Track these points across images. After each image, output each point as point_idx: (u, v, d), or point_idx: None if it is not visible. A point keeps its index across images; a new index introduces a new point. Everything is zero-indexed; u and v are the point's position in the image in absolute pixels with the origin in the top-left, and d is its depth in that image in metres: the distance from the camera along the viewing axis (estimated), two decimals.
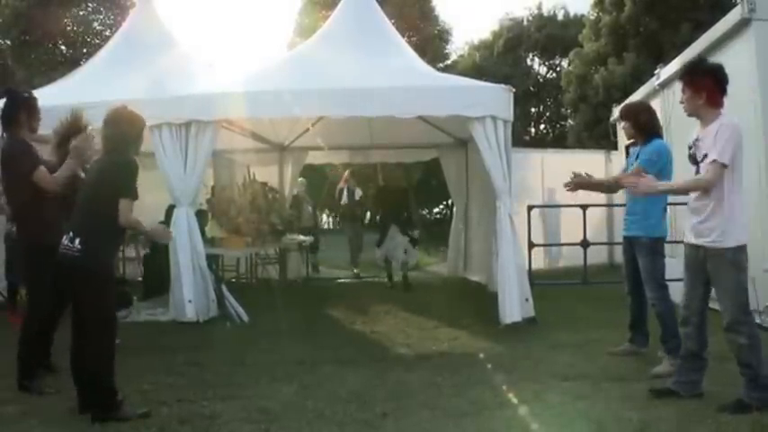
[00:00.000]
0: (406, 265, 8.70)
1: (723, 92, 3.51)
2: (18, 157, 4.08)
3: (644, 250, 4.42)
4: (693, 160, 3.59)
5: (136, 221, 3.61)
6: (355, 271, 10.66)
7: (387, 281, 8.94)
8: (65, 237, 3.56)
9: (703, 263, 3.55)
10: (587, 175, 4.64)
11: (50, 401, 3.80)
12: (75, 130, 4.14)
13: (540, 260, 9.57)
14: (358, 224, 11.56)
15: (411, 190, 11.15)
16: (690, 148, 3.65)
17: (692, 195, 3.61)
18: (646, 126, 4.47)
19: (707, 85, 3.49)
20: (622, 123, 4.94)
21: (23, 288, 6.58)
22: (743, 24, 5.56)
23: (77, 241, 3.48)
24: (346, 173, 11.40)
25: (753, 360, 3.42)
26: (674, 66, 6.56)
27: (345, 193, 11.18)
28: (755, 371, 3.41)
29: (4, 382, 4.03)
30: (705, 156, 3.48)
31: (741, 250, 3.47)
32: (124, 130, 3.66)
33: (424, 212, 23.17)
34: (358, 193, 11.31)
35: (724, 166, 3.37)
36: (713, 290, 3.59)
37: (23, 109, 4.22)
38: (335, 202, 11.67)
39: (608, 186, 5.12)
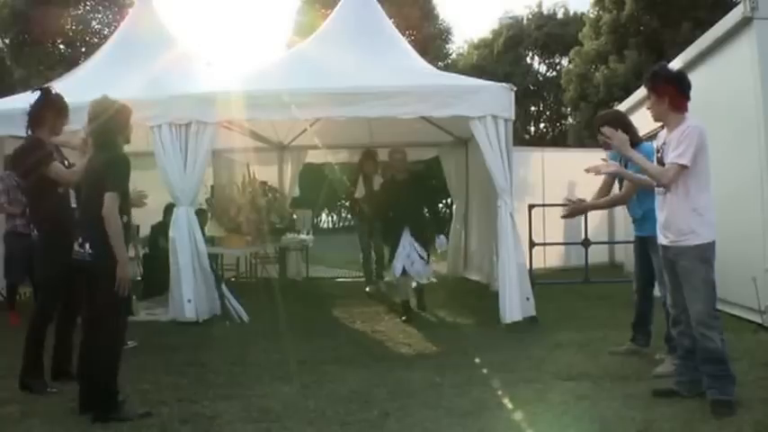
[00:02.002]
0: (422, 278, 6.65)
1: (686, 97, 3.61)
2: (23, 156, 4.07)
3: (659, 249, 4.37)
4: (661, 163, 3.67)
5: (115, 217, 3.43)
6: (368, 289, 8.40)
7: (402, 312, 6.52)
8: (75, 243, 3.57)
9: (673, 262, 3.63)
10: (579, 200, 4.74)
11: (51, 401, 3.79)
12: None
13: (547, 260, 9.58)
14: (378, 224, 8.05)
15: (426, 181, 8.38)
16: (657, 151, 3.75)
17: (658, 198, 3.70)
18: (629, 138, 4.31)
19: (669, 90, 3.59)
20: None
21: (25, 287, 6.62)
22: (744, 23, 5.54)
23: (87, 246, 3.50)
24: (359, 160, 8.73)
25: (726, 355, 3.50)
26: (676, 64, 6.52)
27: (361, 182, 8.54)
28: (727, 365, 3.49)
29: (5, 382, 4.03)
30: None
31: (708, 248, 3.55)
32: (109, 121, 3.59)
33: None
34: (378, 181, 8.21)
35: (684, 167, 3.48)
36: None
37: (50, 109, 4.13)
38: (352, 199, 9.00)
39: (611, 202, 5.00)
